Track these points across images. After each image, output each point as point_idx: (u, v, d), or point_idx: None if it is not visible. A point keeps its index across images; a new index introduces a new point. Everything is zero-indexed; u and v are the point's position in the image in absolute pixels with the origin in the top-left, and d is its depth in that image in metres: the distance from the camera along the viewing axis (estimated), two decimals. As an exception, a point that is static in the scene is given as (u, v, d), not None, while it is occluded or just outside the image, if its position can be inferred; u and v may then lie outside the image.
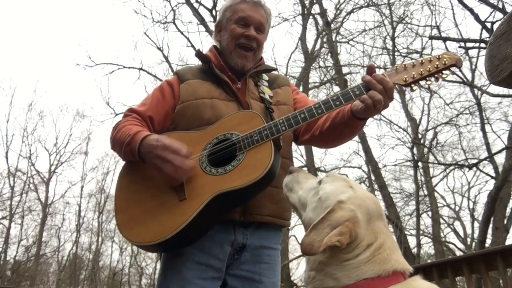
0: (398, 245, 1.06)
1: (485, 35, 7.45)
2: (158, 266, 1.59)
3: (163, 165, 1.40)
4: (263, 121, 1.47)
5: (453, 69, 1.40)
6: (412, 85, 1.43)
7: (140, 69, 13.11)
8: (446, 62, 1.38)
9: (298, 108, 1.66)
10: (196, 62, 1.90)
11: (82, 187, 22.15)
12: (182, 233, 1.34)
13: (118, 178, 1.58)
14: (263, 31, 1.71)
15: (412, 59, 8.55)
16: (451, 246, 15.03)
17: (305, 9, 12.12)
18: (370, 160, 10.47)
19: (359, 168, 12.92)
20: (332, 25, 11.86)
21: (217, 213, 1.42)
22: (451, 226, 16.26)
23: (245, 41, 1.66)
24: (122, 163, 1.62)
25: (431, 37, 9.52)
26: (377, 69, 1.48)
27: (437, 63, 1.40)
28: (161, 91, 1.67)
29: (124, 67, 13.23)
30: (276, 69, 1.83)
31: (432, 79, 1.41)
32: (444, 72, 1.40)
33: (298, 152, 12.33)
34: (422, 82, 1.42)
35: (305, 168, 10.77)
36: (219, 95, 1.63)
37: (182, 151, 1.40)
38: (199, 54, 1.75)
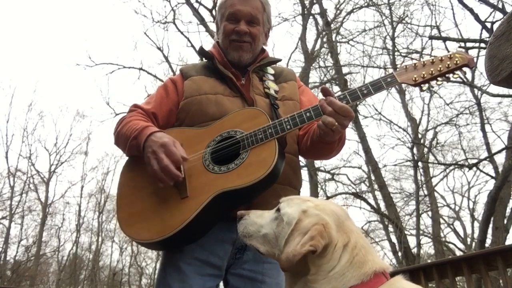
0: (370, 243, 1.05)
1: (485, 35, 7.44)
2: (158, 266, 1.58)
3: (152, 161, 1.39)
4: (268, 119, 1.45)
5: (464, 69, 1.36)
6: (422, 85, 1.38)
7: (140, 69, 13.15)
8: (458, 62, 1.34)
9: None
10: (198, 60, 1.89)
11: (82, 187, 22.15)
12: (183, 231, 1.34)
13: (120, 175, 1.58)
14: (257, 22, 1.67)
15: (412, 59, 8.48)
16: (451, 246, 15.03)
17: (305, 9, 12.12)
18: (370, 160, 10.48)
19: (359, 168, 12.96)
20: (332, 25, 11.86)
21: (219, 212, 1.41)
22: (451, 226, 16.26)
23: (236, 37, 1.65)
24: (122, 163, 1.62)
25: (431, 37, 9.51)
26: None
27: (448, 62, 1.35)
28: (165, 89, 1.68)
29: (124, 67, 13.29)
30: (280, 60, 1.80)
31: (443, 78, 1.37)
32: (455, 72, 1.36)
33: (298, 152, 12.30)
34: (432, 82, 1.38)
35: (305, 168, 10.73)
36: (223, 91, 1.62)
37: (176, 154, 1.38)
38: (201, 51, 1.75)
